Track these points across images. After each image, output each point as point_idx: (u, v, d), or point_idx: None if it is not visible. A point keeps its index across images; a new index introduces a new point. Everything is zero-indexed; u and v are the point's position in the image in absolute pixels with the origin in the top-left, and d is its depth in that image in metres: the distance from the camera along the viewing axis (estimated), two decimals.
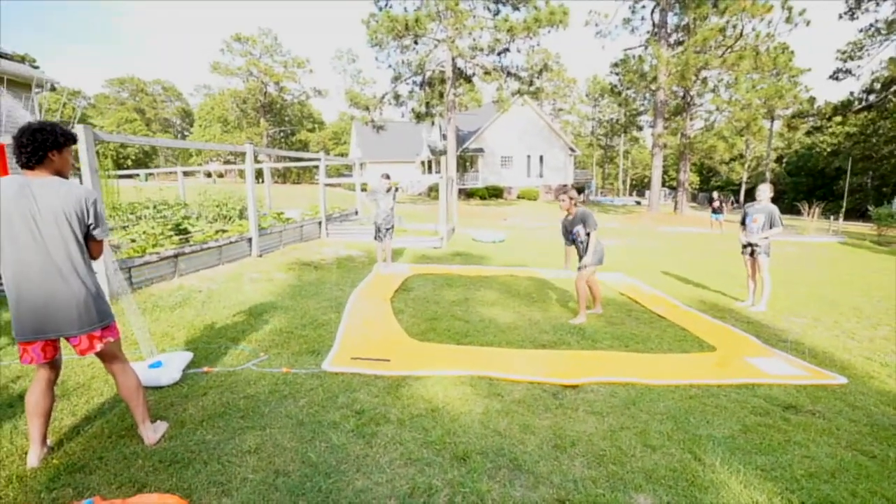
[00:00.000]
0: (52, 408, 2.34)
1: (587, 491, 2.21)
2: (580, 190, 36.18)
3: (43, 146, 2.08)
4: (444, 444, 2.56)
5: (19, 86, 11.06)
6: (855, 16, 24.43)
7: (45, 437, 2.31)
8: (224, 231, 8.21)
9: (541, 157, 34.17)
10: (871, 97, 26.73)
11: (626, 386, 3.37)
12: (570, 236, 5.20)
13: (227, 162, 49.16)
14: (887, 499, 2.21)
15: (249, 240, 7.88)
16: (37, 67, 24.30)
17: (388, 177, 7.83)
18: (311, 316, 4.89)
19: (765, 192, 5.88)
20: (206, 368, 3.45)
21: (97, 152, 5.10)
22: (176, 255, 6.20)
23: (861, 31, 25.64)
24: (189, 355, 3.55)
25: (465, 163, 33.99)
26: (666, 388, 3.36)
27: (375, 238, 7.69)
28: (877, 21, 24.52)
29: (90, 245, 2.26)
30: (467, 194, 31.22)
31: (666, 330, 4.85)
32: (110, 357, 2.36)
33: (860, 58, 26.02)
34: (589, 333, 4.60)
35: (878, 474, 2.41)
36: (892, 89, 24.53)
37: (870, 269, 9.44)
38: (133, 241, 6.82)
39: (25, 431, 2.56)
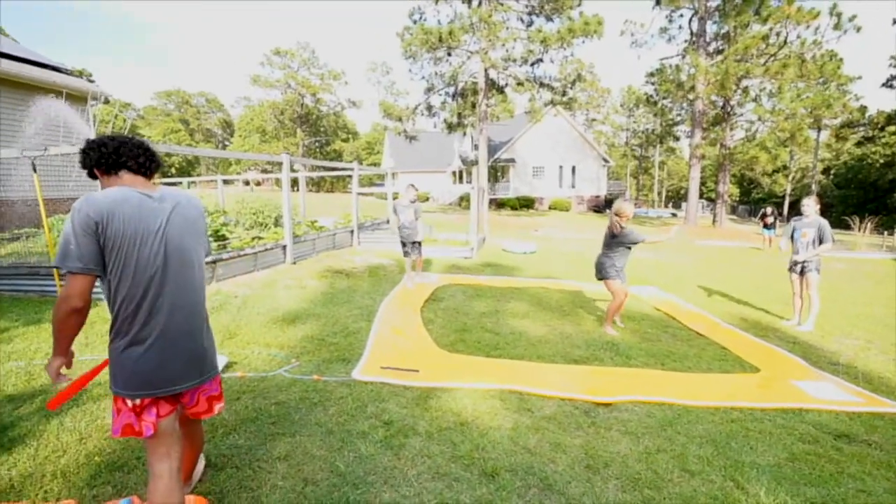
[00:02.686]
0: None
1: None
2: (613, 202, 35.54)
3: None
4: (473, 460, 2.52)
5: (76, 99, 11.76)
6: None
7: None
8: (260, 238, 8.44)
9: (573, 168, 33.76)
10: None
11: (662, 406, 3.24)
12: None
13: (264, 171, 50.79)
14: None
15: (284, 247, 8.07)
16: (92, 81, 25.84)
17: (414, 187, 7.23)
18: (342, 324, 4.94)
19: (811, 205, 5.61)
20: (239, 373, 3.52)
21: None
22: (214, 262, 6.41)
23: None
24: (224, 359, 3.64)
25: (497, 173, 33.93)
26: (705, 409, 3.21)
27: (404, 253, 7.22)
28: None
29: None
30: (498, 204, 31.11)
31: (705, 348, 4.65)
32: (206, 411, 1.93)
33: None
34: (623, 350, 4.47)
35: None
36: None
37: None
38: None
39: (71, 428, 2.67)
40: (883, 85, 25.92)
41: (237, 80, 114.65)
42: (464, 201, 33.09)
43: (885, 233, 16.63)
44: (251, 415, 2.92)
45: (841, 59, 25.13)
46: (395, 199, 15.20)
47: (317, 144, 57.53)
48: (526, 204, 31.80)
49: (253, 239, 8.30)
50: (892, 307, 6.95)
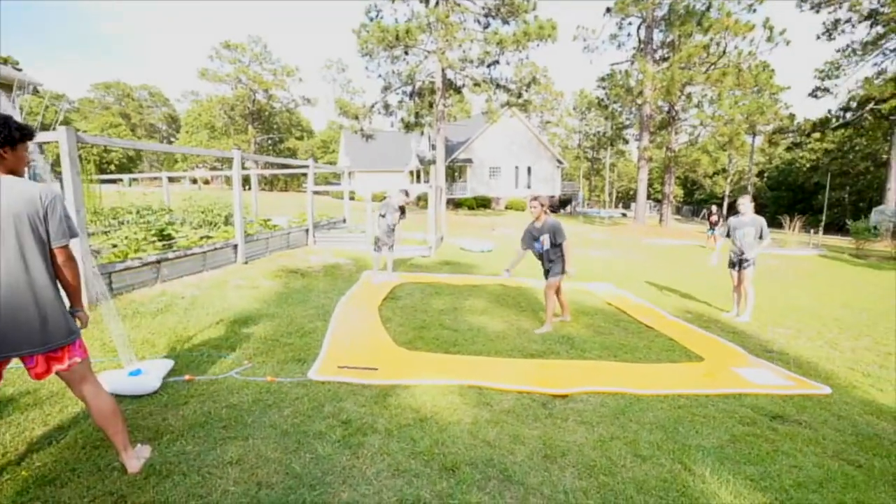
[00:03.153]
0: None
1: (578, 502, 2.18)
2: (567, 201, 36.47)
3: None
4: (433, 455, 2.51)
5: (1, 87, 10.83)
6: (832, 36, 25.21)
7: None
8: (209, 237, 8.08)
9: (529, 169, 34.44)
10: (848, 115, 27.51)
11: (615, 396, 3.35)
12: (533, 244, 5.19)
13: (213, 168, 48.72)
14: None
15: (235, 246, 7.76)
16: (20, 70, 23.87)
17: (406, 194, 7.50)
18: (297, 324, 4.81)
19: (747, 204, 6.00)
20: (187, 377, 3.35)
21: (80, 156, 4.99)
22: (159, 261, 6.07)
23: (838, 51, 26.44)
24: (170, 363, 3.45)
25: (454, 173, 34.10)
26: (655, 397, 3.35)
27: (374, 249, 7.38)
28: (853, 42, 25.33)
29: (52, 254, 2.00)
30: (456, 204, 31.27)
31: (654, 340, 4.86)
32: (78, 380, 2.09)
33: (837, 77, 26.77)
34: (578, 343, 4.60)
35: (864, 484, 2.42)
36: (867, 108, 25.28)
37: (849, 281, 9.64)
38: (114, 246, 6.67)
39: None
40: (809, 95, 27.99)
41: (184, 74, 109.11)
42: (421, 201, 33.05)
43: (812, 231, 17.98)
44: (200, 419, 2.78)
45: (773, 70, 26.96)
46: (351, 198, 14.94)
47: (270, 142, 55.78)
48: (483, 204, 32.15)
49: (201, 238, 7.93)
50: (819, 299, 7.53)
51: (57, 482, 2.15)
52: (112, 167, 52.94)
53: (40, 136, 4.95)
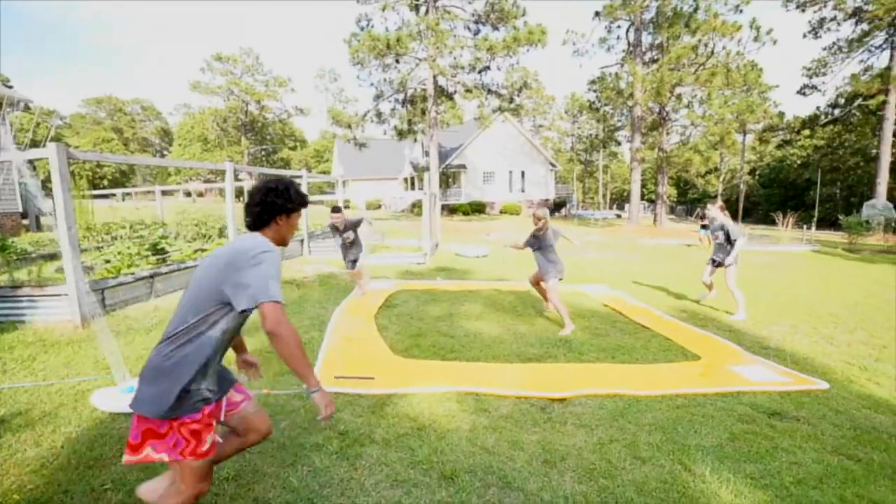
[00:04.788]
0: None
1: None
2: (562, 204, 36.58)
3: (271, 209, 1.80)
4: (432, 464, 2.49)
5: None
6: (818, 35, 25.54)
7: None
8: (203, 250, 8.05)
9: (522, 173, 34.56)
10: (836, 111, 27.86)
11: (613, 398, 3.34)
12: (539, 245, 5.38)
13: (207, 181, 48.60)
14: (874, 502, 2.22)
15: None
16: (10, 87, 23.80)
17: (338, 210, 6.49)
18: None
19: (714, 211, 6.30)
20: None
21: (72, 172, 4.97)
22: (152, 276, 6.04)
23: (825, 49, 26.78)
24: None
25: (448, 179, 34.18)
26: (653, 398, 3.35)
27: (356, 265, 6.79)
28: (839, 40, 25.66)
29: None
30: (450, 210, 31.32)
31: (650, 340, 4.86)
32: None
33: (824, 74, 27.10)
34: (575, 346, 4.59)
35: (863, 478, 2.41)
36: (855, 104, 25.60)
37: (843, 276, 9.69)
38: (107, 261, 6.63)
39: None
40: (797, 92, 28.30)
41: (176, 87, 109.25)
42: (416, 208, 33.07)
43: (805, 227, 18.09)
44: None
45: (761, 69, 27.23)
46: (346, 207, 14.93)
47: (263, 153, 55.76)
48: (478, 209, 32.21)
49: (195, 251, 7.90)
50: (814, 295, 7.55)
51: None
52: (105, 182, 52.78)
53: (30, 153, 4.94)
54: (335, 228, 6.54)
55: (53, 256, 6.97)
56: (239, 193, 16.43)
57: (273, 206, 1.80)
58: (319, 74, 56.10)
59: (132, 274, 5.78)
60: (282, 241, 1.87)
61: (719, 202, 6.40)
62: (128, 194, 26.30)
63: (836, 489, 2.32)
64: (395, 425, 2.91)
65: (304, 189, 11.18)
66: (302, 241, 10.72)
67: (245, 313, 1.68)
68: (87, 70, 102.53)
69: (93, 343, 4.17)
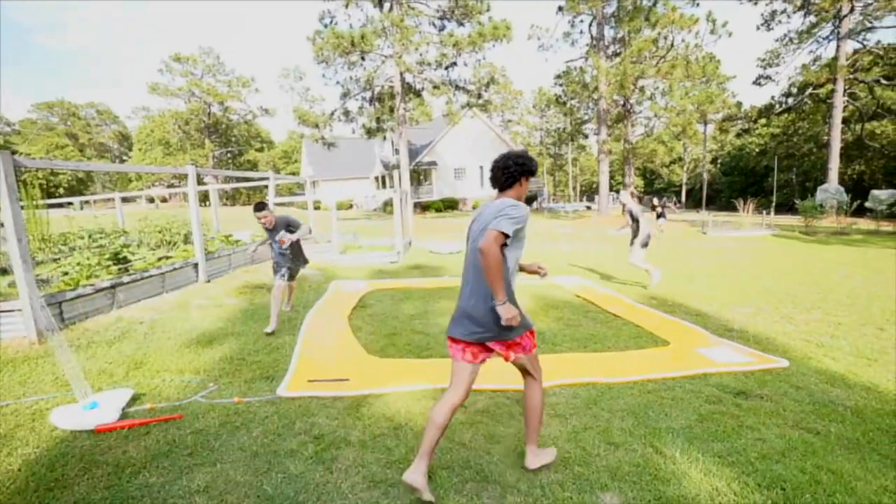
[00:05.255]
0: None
1: (555, 495, 2.19)
2: (533, 198, 36.96)
3: (517, 173, 2.28)
4: (409, 463, 2.47)
5: None
6: (771, 27, 26.55)
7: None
8: (168, 257, 7.79)
9: None
10: (790, 100, 29.04)
11: (587, 386, 3.40)
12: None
13: (170, 185, 47.04)
14: (832, 472, 2.32)
15: (195, 265, 7.50)
16: None
17: (262, 207, 5.44)
18: (264, 341, 4.68)
19: (625, 196, 7.49)
20: (148, 405, 3.20)
21: (23, 181, 4.72)
22: (113, 286, 5.80)
23: (777, 40, 27.88)
24: (129, 392, 3.29)
25: (420, 176, 34.07)
26: (625, 385, 3.42)
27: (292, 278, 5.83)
28: (789, 31, 26.77)
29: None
30: (423, 207, 31.24)
31: (622, 328, 4.97)
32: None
33: (778, 65, 28.22)
34: (548, 337, 4.65)
35: (822, 450, 2.53)
36: (806, 93, 26.73)
37: (800, 257, 10.13)
38: (65, 273, 6.33)
39: None
40: (753, 83, 29.37)
41: (134, 90, 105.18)
42: (388, 206, 32.86)
43: (764, 212, 18.81)
44: (163, 449, 2.66)
45: (719, 61, 28.18)
46: (316, 208, 14.70)
47: (228, 155, 54.29)
48: (450, 205, 32.24)
49: (159, 259, 7.63)
50: (774, 277, 7.87)
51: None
52: (61, 190, 50.49)
53: None
54: (269, 231, 5.47)
55: (5, 271, 6.64)
56: (204, 197, 16.00)
57: (517, 169, 2.27)
58: (284, 73, 54.84)
59: (92, 285, 5.54)
60: (520, 198, 2.31)
61: (631, 188, 6.93)
62: (86, 202, 25.21)
63: (797, 461, 2.42)
64: (372, 426, 2.89)
65: (272, 192, 10.97)
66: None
67: (511, 243, 2.14)
68: (37, 73, 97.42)
69: (51, 359, 3.98)
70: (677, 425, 2.83)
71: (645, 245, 7.13)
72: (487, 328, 2.18)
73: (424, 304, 6.22)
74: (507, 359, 2.28)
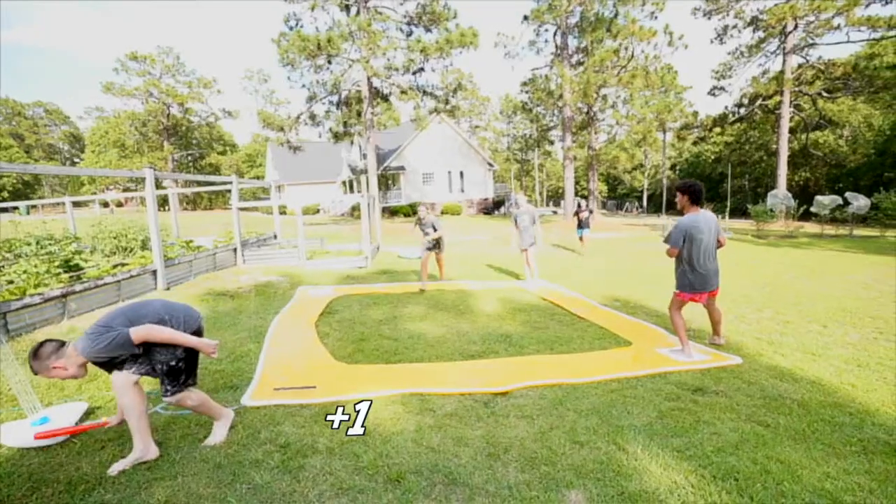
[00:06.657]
0: None
1: (521, 495, 2.23)
2: (500, 203, 37.40)
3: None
4: (377, 468, 2.47)
5: None
6: (723, 41, 27.91)
7: None
8: (124, 264, 7.47)
9: (461, 173, 34.98)
10: (742, 111, 30.57)
11: (553, 387, 3.48)
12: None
13: (126, 189, 45.09)
14: (781, 461, 2.46)
15: (154, 272, 7.23)
16: None
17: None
18: (227, 348, 4.56)
19: (522, 199, 8.25)
20: (103, 420, 3.06)
21: None
22: (64, 295, 5.52)
23: (729, 53, 29.33)
24: (83, 406, 3.14)
25: (388, 181, 33.92)
26: (590, 385, 3.52)
27: None
28: (740, 45, 28.23)
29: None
30: (391, 212, 31.09)
31: (587, 330, 5.10)
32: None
33: (730, 77, 29.66)
34: (515, 340, 4.72)
35: (772, 441, 2.68)
36: (756, 104, 28.21)
37: (753, 259, 10.66)
38: (10, 282, 5.98)
39: None
40: (708, 93, 30.81)
41: (86, 90, 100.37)
42: (356, 211, 32.53)
43: (720, 216, 19.73)
44: None
45: (676, 72, 29.43)
46: (282, 213, 14.41)
47: (189, 158, 52.52)
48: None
49: (114, 266, 7.31)
50: (728, 278, 8.23)
51: None
52: (5, 194, 47.60)
53: None
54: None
55: None
56: (163, 202, 15.42)
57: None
58: (248, 75, 53.62)
59: (40, 294, 5.25)
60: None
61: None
62: (33, 207, 23.84)
63: (749, 453, 2.55)
64: (339, 433, 2.86)
65: (235, 196, 10.69)
66: (235, 249, 10.23)
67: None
68: None
69: None
70: (639, 423, 2.93)
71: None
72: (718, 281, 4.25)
73: (392, 309, 6.20)
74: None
